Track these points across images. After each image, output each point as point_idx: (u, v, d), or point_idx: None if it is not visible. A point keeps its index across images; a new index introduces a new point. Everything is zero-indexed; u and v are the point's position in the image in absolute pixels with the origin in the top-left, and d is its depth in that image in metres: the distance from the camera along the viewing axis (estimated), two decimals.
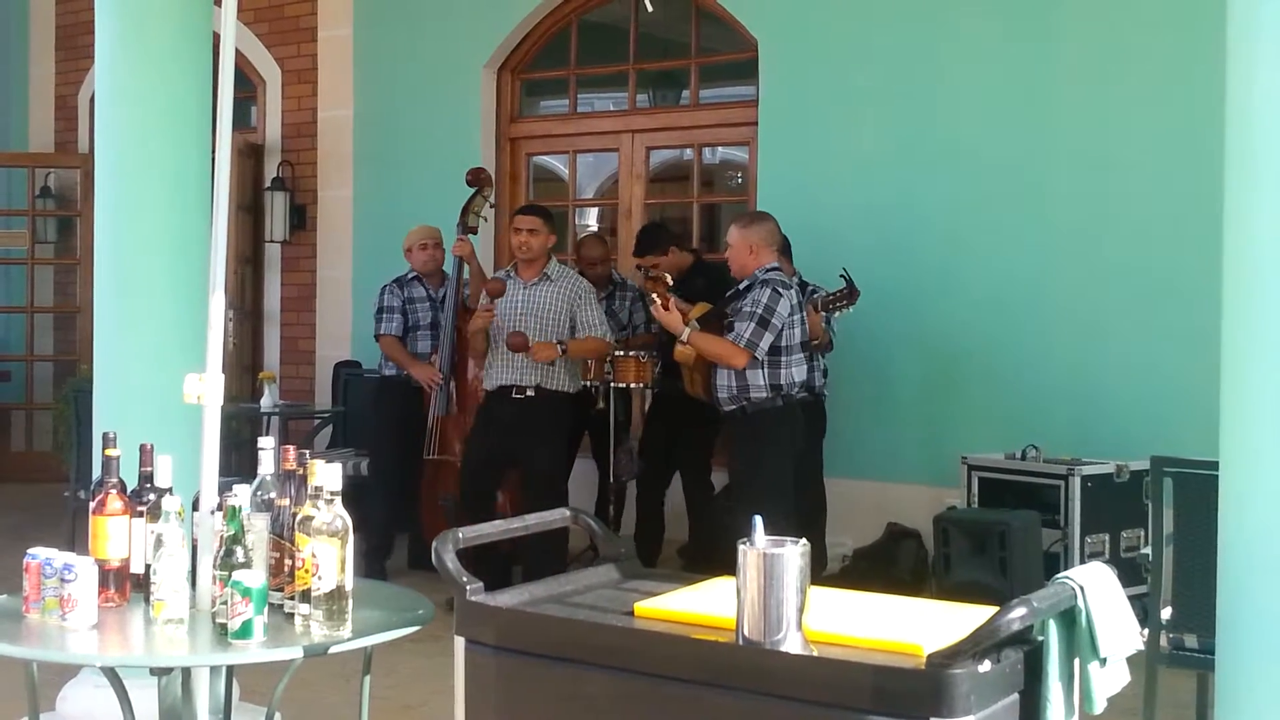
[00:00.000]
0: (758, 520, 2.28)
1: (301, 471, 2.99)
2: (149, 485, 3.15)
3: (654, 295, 5.82)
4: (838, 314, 6.24)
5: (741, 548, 2.26)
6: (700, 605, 2.48)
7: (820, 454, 6.67)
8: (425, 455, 6.87)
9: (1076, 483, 5.94)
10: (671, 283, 6.11)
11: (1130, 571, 5.56)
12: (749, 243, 5.74)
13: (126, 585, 3.11)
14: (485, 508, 6.08)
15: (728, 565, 2.34)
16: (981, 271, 6.91)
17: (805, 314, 5.82)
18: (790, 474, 5.71)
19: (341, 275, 9.25)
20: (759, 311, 5.55)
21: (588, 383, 6.63)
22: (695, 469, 6.93)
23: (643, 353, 6.59)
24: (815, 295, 6.27)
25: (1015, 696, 2.23)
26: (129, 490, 3.15)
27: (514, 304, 6.30)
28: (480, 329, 6.30)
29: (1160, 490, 4.04)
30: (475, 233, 7.02)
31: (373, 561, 6.71)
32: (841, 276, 6.17)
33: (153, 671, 3.00)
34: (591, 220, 9.66)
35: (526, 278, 6.33)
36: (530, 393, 6.22)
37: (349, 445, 7.88)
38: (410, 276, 7.22)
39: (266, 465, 3.11)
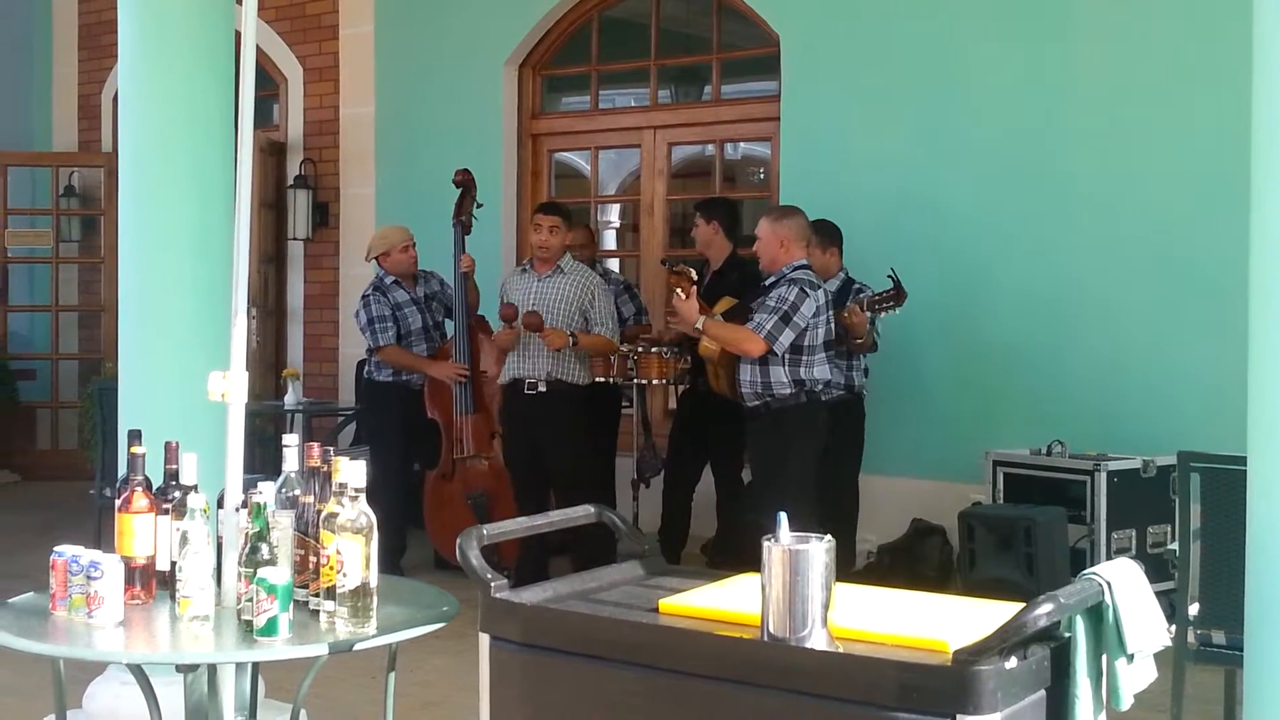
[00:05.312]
0: (782, 517, 2.27)
1: (326, 468, 2.99)
2: (174, 483, 3.16)
3: (678, 289, 5.81)
4: (884, 314, 6.18)
5: (766, 544, 2.25)
6: (725, 602, 2.47)
7: (859, 454, 6.61)
8: (455, 456, 6.87)
9: (1103, 478, 5.91)
10: (695, 277, 6.08)
11: (1157, 567, 5.56)
12: (779, 237, 5.72)
13: (152, 582, 3.12)
14: (541, 503, 6.13)
15: (752, 562, 2.33)
16: (1006, 266, 6.87)
17: (833, 314, 5.80)
18: (814, 470, 5.70)
19: (364, 273, 9.19)
20: (783, 308, 5.53)
21: (610, 379, 6.63)
22: (728, 466, 6.88)
23: (666, 349, 6.57)
24: (861, 295, 6.21)
25: (1042, 693, 2.22)
26: (154, 488, 3.16)
27: (528, 295, 6.47)
28: (509, 348, 6.46)
29: (1187, 485, 4.02)
30: (470, 232, 7.03)
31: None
32: (889, 277, 6.09)
33: (179, 668, 3.02)
34: (614, 216, 9.66)
35: (542, 271, 6.53)
36: (542, 387, 6.37)
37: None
38: (390, 281, 7.06)
39: (291, 462, 3.11)
